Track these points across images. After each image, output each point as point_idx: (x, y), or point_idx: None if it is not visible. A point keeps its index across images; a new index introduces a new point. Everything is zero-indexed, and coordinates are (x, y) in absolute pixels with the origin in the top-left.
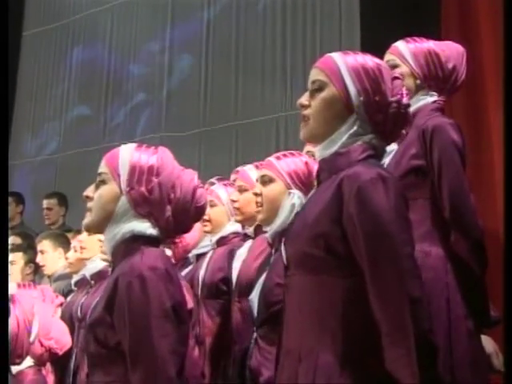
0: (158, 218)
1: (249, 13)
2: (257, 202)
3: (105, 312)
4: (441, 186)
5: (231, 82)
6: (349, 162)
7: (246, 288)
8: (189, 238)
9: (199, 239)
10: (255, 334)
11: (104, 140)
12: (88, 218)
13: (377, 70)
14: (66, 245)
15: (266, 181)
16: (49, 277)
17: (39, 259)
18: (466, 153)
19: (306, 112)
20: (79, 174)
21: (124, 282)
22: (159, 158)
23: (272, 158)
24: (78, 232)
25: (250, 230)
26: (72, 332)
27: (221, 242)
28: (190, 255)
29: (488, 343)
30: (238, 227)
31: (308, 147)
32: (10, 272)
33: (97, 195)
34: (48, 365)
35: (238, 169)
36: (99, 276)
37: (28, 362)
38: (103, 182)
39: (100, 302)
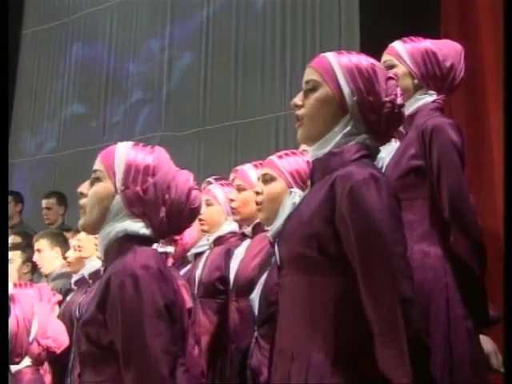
0: (151, 218)
1: (248, 11)
2: (257, 201)
3: (97, 311)
4: (440, 186)
5: (231, 80)
6: (342, 162)
7: (244, 287)
8: (187, 237)
9: (198, 238)
10: (256, 334)
11: (103, 139)
12: (83, 218)
13: (371, 70)
14: (63, 244)
15: (267, 179)
16: (46, 276)
17: (36, 258)
18: (466, 153)
19: (300, 112)
20: (78, 173)
21: (116, 281)
22: (155, 157)
23: (274, 157)
24: (78, 231)
25: (248, 230)
26: (72, 331)
27: (218, 241)
28: (189, 254)
29: (487, 343)
30: (235, 227)
31: (304, 146)
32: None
33: (91, 192)
34: (46, 364)
35: (237, 168)
36: (97, 275)
37: (26, 361)
38: (98, 180)
39: (92, 301)
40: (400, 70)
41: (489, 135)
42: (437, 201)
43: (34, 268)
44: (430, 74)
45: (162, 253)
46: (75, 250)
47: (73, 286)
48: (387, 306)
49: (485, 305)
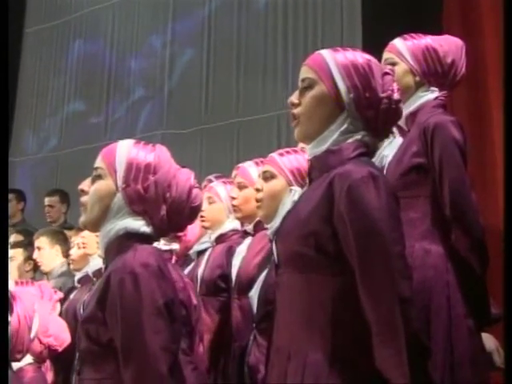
0: (152, 217)
1: (250, 9)
2: (257, 198)
3: (97, 308)
4: (442, 183)
5: (233, 78)
6: (340, 160)
7: (246, 285)
8: (190, 234)
9: (200, 235)
10: (254, 331)
11: (105, 137)
12: (84, 216)
13: (366, 66)
14: (63, 242)
15: (267, 177)
16: (45, 274)
17: (36, 256)
18: (468, 150)
19: (296, 111)
20: (80, 171)
21: (116, 279)
22: (156, 155)
23: (275, 155)
24: (80, 229)
25: (249, 227)
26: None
27: (220, 239)
28: (191, 252)
29: (489, 340)
30: (236, 224)
31: (302, 143)
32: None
33: (92, 190)
34: (48, 362)
35: (239, 165)
36: (101, 273)
37: (28, 359)
38: (99, 177)
39: (92, 298)
40: (401, 67)
41: (491, 133)
42: (438, 199)
43: (36, 266)
44: (432, 71)
45: (167, 250)
46: (79, 247)
47: (76, 284)
48: (386, 305)
49: (486, 303)
